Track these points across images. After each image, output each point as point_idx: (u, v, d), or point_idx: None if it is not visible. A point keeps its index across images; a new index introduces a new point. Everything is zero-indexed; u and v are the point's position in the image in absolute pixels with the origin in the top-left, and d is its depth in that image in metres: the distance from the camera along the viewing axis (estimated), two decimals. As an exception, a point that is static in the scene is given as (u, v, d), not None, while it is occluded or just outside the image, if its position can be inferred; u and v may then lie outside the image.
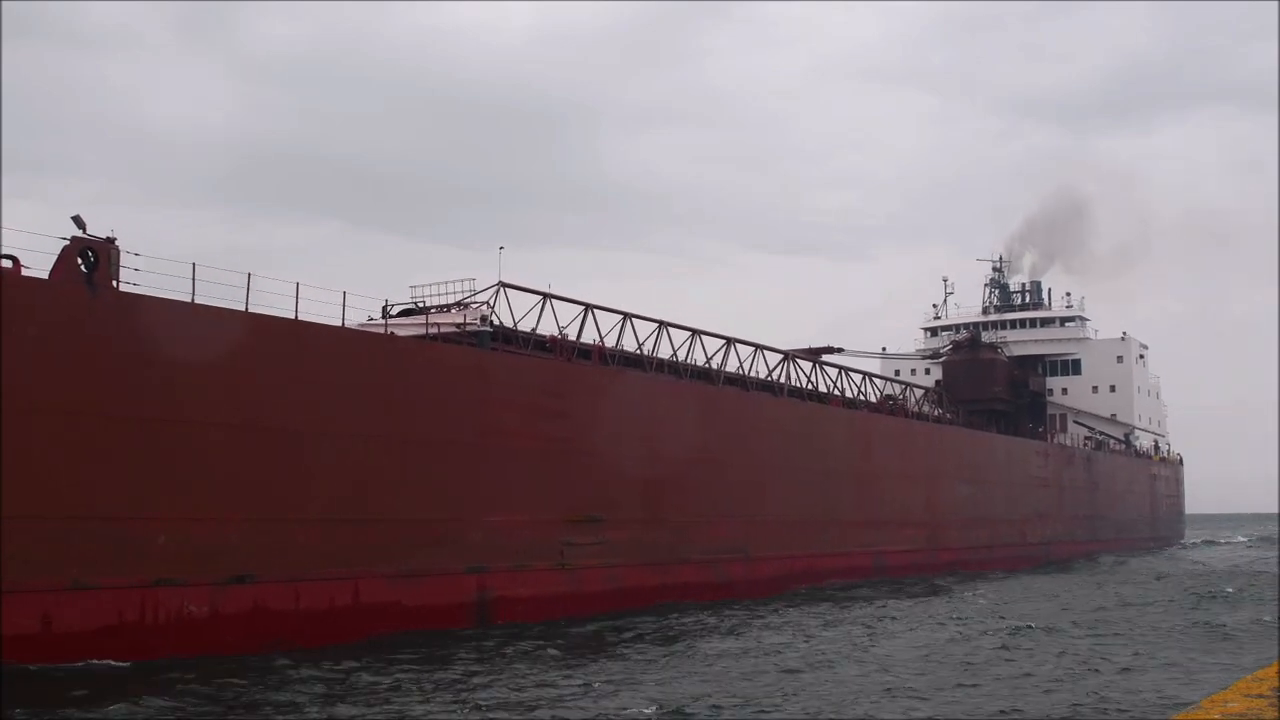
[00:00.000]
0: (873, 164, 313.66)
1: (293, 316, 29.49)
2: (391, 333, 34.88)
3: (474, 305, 38.14)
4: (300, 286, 29.54)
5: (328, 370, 29.79)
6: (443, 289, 39.12)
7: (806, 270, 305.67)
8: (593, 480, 37.28)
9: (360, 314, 35.61)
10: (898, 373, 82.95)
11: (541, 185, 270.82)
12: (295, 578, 28.43)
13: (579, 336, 40.69)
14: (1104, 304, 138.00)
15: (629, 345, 42.75)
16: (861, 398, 59.02)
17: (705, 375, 46.86)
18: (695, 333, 46.38)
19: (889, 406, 62.05)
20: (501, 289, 38.41)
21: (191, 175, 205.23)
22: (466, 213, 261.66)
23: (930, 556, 57.21)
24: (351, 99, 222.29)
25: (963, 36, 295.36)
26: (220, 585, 26.93)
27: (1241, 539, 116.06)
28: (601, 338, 41.64)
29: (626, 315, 42.88)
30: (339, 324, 30.88)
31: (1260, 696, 14.05)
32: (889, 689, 22.55)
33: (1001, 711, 19.90)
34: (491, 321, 37.83)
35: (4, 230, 24.56)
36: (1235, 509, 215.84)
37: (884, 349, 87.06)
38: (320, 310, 31.12)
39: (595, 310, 41.25)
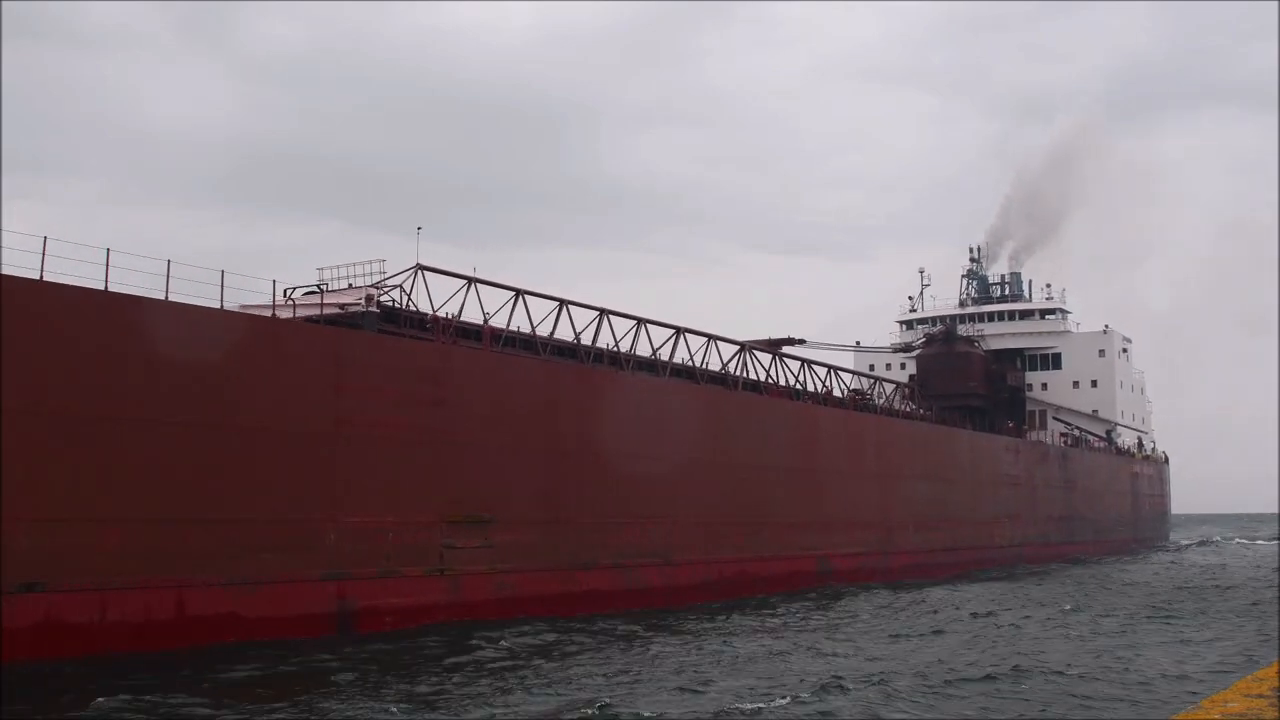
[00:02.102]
0: (873, 164, 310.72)
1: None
2: (274, 314, 31.47)
3: (386, 288, 35.91)
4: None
5: (142, 348, 26.18)
6: (352, 271, 36.88)
7: (806, 270, 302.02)
8: (480, 476, 33.62)
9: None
10: (872, 367, 79.69)
11: (542, 185, 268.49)
12: (100, 586, 24.94)
13: (509, 324, 38.31)
14: (1089, 296, 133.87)
15: (577, 337, 40.40)
16: (826, 391, 55.36)
17: (651, 366, 44.25)
18: (641, 321, 43.70)
19: (842, 400, 58.11)
20: (419, 272, 36.43)
21: (191, 175, 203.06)
22: (466, 213, 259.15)
23: (883, 560, 53.08)
24: (351, 99, 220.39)
25: (963, 37, 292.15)
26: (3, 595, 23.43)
27: (1263, 541, 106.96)
28: (534, 326, 38.90)
29: (563, 302, 40.17)
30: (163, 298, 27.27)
31: (1260, 696, 13.53)
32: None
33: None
34: (380, 303, 34.87)
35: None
36: (1226, 510, 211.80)
37: (857, 343, 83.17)
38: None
39: (527, 296, 38.83)
